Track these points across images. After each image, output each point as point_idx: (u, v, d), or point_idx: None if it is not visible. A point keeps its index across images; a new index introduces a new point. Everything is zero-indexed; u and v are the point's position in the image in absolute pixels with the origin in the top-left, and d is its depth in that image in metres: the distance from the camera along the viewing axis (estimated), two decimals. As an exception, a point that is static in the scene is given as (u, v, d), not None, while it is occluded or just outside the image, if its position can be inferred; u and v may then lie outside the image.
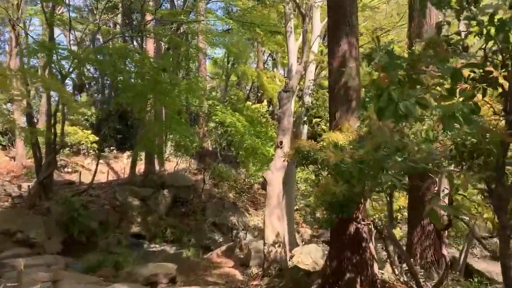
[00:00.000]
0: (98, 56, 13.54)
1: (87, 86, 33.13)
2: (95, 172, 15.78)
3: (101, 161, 25.74)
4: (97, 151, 16.72)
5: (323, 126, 9.56)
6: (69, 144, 21.96)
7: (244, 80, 27.24)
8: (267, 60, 35.07)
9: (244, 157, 14.74)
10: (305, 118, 11.02)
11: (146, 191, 16.85)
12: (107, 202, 16.50)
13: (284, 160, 7.63)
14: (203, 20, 16.38)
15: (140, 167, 21.57)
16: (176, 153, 23.86)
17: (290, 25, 11.80)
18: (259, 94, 29.99)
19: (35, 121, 27.43)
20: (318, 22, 11.80)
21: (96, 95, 33.60)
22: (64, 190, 17.57)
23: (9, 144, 24.32)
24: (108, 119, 26.22)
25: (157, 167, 21.01)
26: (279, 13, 19.29)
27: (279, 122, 9.37)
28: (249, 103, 23.17)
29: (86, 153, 24.85)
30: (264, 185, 10.52)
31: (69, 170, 21.55)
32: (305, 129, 11.35)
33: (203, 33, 16.30)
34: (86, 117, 29.19)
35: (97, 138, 22.97)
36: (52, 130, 14.51)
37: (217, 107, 12.41)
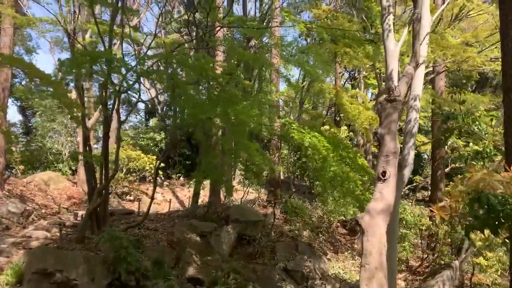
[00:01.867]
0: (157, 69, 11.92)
1: (158, 110, 32.65)
2: (151, 202, 13.90)
3: (166, 188, 24.39)
4: (154, 178, 14.86)
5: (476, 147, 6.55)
6: (131, 169, 20.76)
7: (320, 100, 24.53)
8: (345, 83, 32.25)
9: (323, 189, 11.94)
10: (413, 134, 8.06)
11: (207, 226, 14.61)
12: (164, 237, 14.51)
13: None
14: (277, 26, 14.23)
15: (205, 197, 19.64)
16: (244, 182, 21.61)
17: (388, 22, 9.03)
18: (337, 119, 27.11)
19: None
20: (427, 13, 8.98)
21: (167, 120, 32.93)
22: (120, 221, 15.98)
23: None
24: (175, 144, 24.91)
25: (223, 198, 18.90)
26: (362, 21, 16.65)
27: (380, 144, 6.58)
28: (326, 126, 20.40)
29: (152, 180, 23.57)
30: (359, 231, 7.65)
31: (131, 198, 20.17)
32: (411, 156, 8.38)
33: (277, 46, 14.05)
34: (155, 142, 28.41)
35: (162, 164, 21.59)
36: (106, 154, 12.89)
37: (292, 125, 9.90)
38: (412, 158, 8.33)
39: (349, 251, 15.89)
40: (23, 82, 33.66)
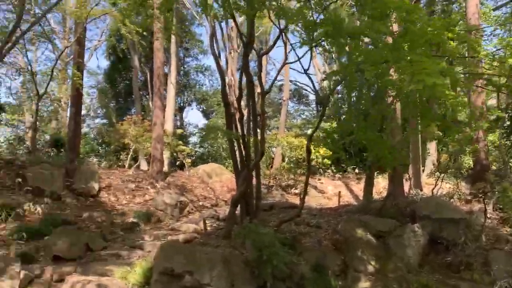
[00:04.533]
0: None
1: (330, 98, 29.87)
2: (305, 190, 10.99)
3: (339, 182, 21.26)
4: (308, 162, 11.87)
5: None
6: (296, 159, 18.36)
7: None
8: None
9: None
10: None
11: (384, 224, 10.91)
12: (328, 236, 11.42)
13: None
14: None
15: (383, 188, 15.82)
16: (436, 171, 16.77)
17: None
18: None
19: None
20: None
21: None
22: (279, 215, 13.59)
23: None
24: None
25: (407, 190, 14.69)
26: None
27: None
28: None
29: (322, 172, 20.81)
30: None
31: (297, 191, 17.74)
32: None
33: None
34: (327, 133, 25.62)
35: (330, 153, 18.59)
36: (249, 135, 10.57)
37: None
38: None
39: None
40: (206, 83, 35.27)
